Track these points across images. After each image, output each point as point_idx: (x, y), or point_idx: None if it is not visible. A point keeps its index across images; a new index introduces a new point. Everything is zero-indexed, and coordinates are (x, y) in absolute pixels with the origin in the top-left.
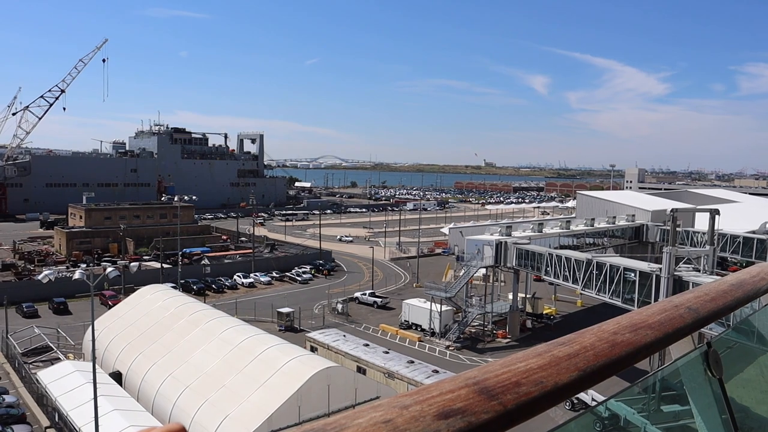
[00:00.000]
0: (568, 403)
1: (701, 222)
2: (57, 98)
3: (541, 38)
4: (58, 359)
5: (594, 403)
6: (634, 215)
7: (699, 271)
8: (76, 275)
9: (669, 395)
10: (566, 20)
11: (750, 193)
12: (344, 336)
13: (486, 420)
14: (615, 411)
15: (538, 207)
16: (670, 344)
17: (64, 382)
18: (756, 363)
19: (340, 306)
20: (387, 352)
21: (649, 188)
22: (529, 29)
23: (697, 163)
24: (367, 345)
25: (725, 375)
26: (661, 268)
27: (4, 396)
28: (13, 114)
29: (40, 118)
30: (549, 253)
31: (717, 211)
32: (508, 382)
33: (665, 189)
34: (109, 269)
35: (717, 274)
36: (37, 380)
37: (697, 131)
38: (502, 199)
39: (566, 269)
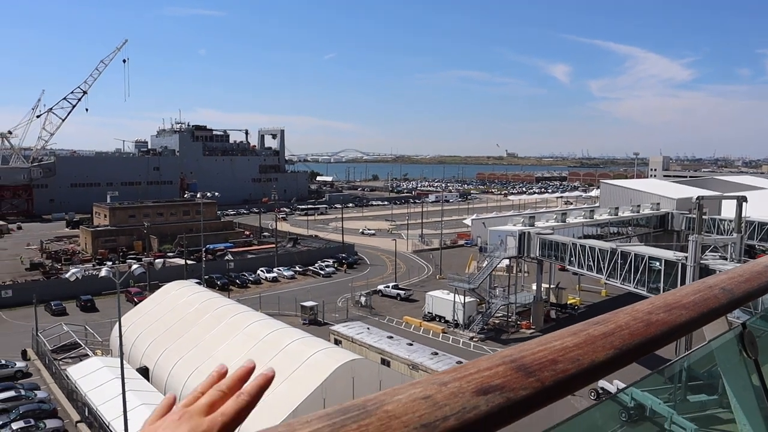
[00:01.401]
0: (593, 393)
1: (728, 209)
2: (79, 99)
3: (561, 26)
4: (86, 355)
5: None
6: (658, 204)
7: (726, 259)
8: (102, 273)
9: (695, 385)
10: (587, 7)
11: None
12: (368, 328)
13: (524, 396)
14: (640, 401)
15: (561, 197)
16: (705, 324)
17: (93, 377)
18: None
19: (363, 299)
20: (411, 344)
21: (673, 176)
22: (548, 18)
23: (723, 150)
24: (390, 337)
25: (762, 361)
26: (687, 257)
27: (35, 392)
28: (38, 116)
29: (63, 120)
30: (573, 243)
31: (744, 198)
32: (545, 359)
33: (690, 176)
34: (135, 266)
35: (744, 262)
36: (66, 376)
37: (723, 117)
38: (524, 189)
39: (590, 259)
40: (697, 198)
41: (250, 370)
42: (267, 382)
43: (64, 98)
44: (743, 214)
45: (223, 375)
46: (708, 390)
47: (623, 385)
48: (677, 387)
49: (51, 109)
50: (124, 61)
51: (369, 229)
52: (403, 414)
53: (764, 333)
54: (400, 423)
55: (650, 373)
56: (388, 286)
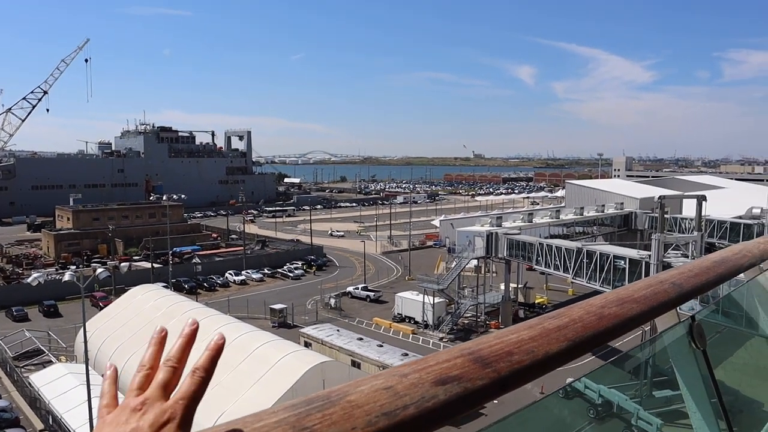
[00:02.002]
0: (562, 392)
1: (689, 208)
2: (40, 100)
3: (527, 29)
4: (50, 362)
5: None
6: (622, 203)
7: (687, 257)
8: (66, 277)
9: (660, 381)
10: (551, 10)
11: (736, 179)
12: (338, 330)
13: (481, 386)
14: (608, 397)
15: (528, 197)
16: (655, 317)
17: (57, 384)
18: (744, 347)
19: (332, 301)
20: (381, 346)
21: (636, 176)
22: (515, 20)
23: (684, 150)
24: (360, 339)
25: (714, 358)
26: (650, 255)
27: None
28: None
29: (23, 121)
30: (539, 243)
31: (704, 198)
32: (501, 351)
33: (653, 176)
34: (99, 270)
35: None
36: (29, 384)
37: (683, 118)
38: (491, 190)
39: (557, 258)
40: (659, 197)
41: (192, 336)
42: (218, 352)
43: (24, 98)
44: (703, 213)
45: (163, 339)
46: (672, 385)
47: (591, 383)
48: (642, 383)
49: (10, 109)
50: (86, 60)
51: (338, 231)
52: (365, 403)
53: (725, 329)
54: (363, 412)
55: (603, 364)
56: (358, 288)
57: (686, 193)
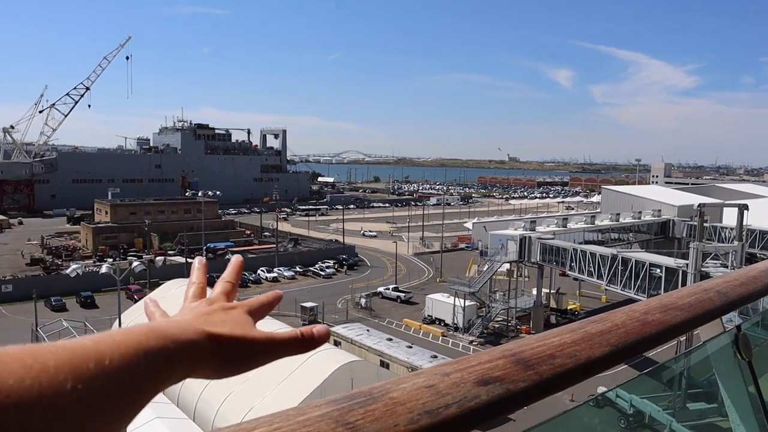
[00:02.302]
0: (593, 401)
1: (729, 217)
2: (82, 96)
3: (565, 32)
4: None
5: (618, 401)
6: (660, 210)
7: (727, 267)
8: (103, 269)
9: (695, 393)
10: (591, 13)
11: None
12: (367, 330)
13: (523, 388)
14: (640, 408)
15: (563, 202)
16: (700, 326)
17: None
18: None
19: (363, 301)
20: (410, 347)
21: (675, 183)
22: (553, 22)
23: (725, 158)
24: (390, 339)
25: (760, 371)
26: (687, 264)
27: None
28: (40, 112)
29: (66, 116)
30: (573, 248)
31: (746, 206)
32: (544, 354)
33: (692, 184)
34: (135, 264)
35: None
36: None
37: (725, 125)
38: (526, 193)
39: (591, 264)
40: (699, 205)
41: (241, 264)
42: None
43: (67, 94)
44: (744, 222)
45: (206, 266)
46: (707, 398)
47: (624, 392)
48: (677, 395)
49: (53, 104)
50: (128, 58)
51: (370, 231)
52: (407, 401)
53: (759, 338)
54: (405, 409)
55: (639, 374)
56: (389, 288)
57: (727, 202)
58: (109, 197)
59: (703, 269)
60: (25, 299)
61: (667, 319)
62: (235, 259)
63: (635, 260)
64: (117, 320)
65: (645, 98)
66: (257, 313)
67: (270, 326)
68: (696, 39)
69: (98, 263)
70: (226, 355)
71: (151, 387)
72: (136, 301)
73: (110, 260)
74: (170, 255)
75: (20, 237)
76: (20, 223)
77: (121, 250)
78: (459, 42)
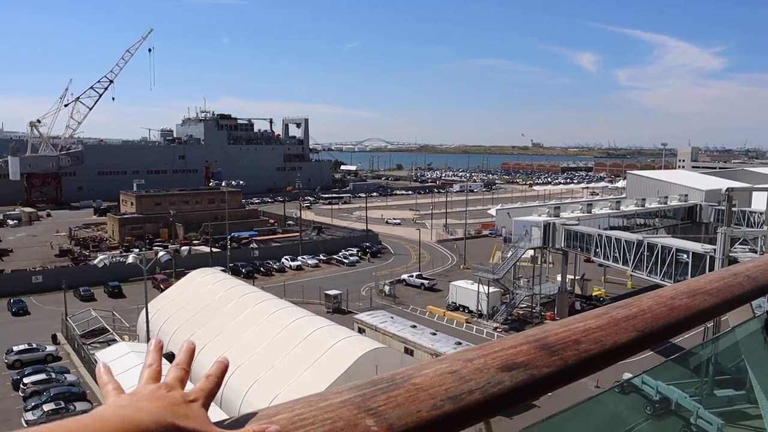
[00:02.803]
0: (618, 387)
1: (759, 202)
2: (106, 89)
3: (588, 15)
4: (114, 340)
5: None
6: (686, 195)
7: (756, 252)
8: (129, 260)
9: (722, 379)
10: None
11: None
12: (392, 317)
13: (547, 373)
14: (666, 394)
15: (587, 187)
16: (729, 311)
17: (120, 362)
18: None
19: (387, 288)
20: (434, 334)
21: (702, 167)
22: (575, 5)
23: (755, 141)
24: (414, 326)
25: None
26: (715, 249)
27: (65, 375)
28: (65, 105)
29: (90, 109)
30: (598, 234)
31: None
32: (568, 339)
33: (720, 168)
34: (161, 254)
35: None
36: (95, 360)
37: (755, 107)
38: (549, 179)
39: (616, 250)
40: (727, 189)
41: (192, 349)
42: (226, 368)
43: (91, 87)
44: None
45: (161, 348)
46: (735, 385)
47: (650, 379)
48: (704, 381)
49: (78, 98)
50: (150, 50)
51: (394, 219)
52: (430, 387)
53: None
54: (428, 395)
55: (665, 360)
56: (412, 276)
57: (756, 186)
58: (134, 188)
59: (731, 254)
60: (54, 289)
61: (695, 304)
62: (187, 345)
63: (661, 246)
64: (144, 309)
65: (671, 81)
66: (212, 399)
67: (295, 314)
68: (723, 20)
69: (125, 253)
70: None
71: None
72: (162, 291)
73: (136, 250)
74: (195, 245)
75: (49, 229)
76: (48, 215)
77: (147, 241)
78: (479, 28)
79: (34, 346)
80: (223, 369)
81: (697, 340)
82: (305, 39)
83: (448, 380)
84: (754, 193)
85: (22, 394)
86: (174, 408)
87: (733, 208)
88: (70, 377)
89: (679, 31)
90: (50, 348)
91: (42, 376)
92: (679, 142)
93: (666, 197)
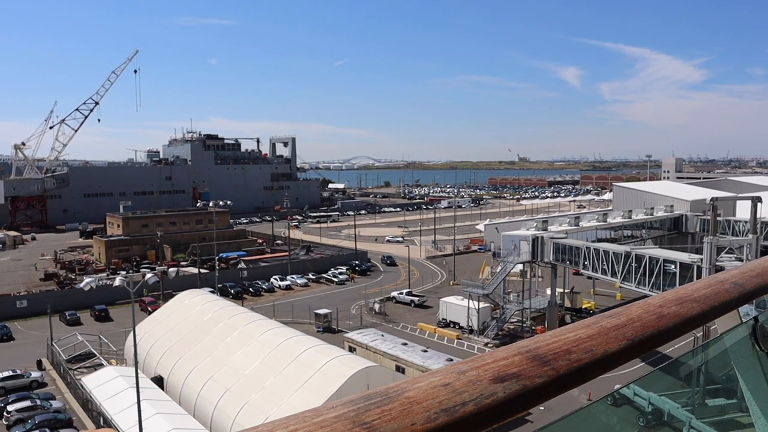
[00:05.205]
0: (610, 398)
1: (743, 210)
2: (91, 110)
3: (571, 29)
4: (101, 365)
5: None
6: (672, 206)
7: (741, 260)
8: (116, 282)
9: (714, 389)
10: (596, 9)
11: None
12: (382, 335)
13: (540, 384)
14: (658, 405)
15: (574, 200)
16: (716, 317)
17: (108, 387)
18: None
19: (377, 306)
20: (425, 351)
21: (687, 178)
22: (559, 20)
23: (737, 151)
24: (405, 344)
25: None
26: (702, 259)
27: (51, 401)
28: (51, 127)
29: (76, 131)
30: (587, 247)
31: (759, 199)
32: (559, 349)
33: (704, 178)
34: (148, 276)
35: None
36: (81, 386)
37: (736, 118)
38: (537, 193)
39: (604, 262)
40: (711, 199)
41: None
42: None
43: (77, 109)
44: (758, 215)
45: None
46: (727, 393)
47: (642, 390)
48: (695, 391)
49: (64, 120)
50: (135, 71)
51: (394, 236)
52: (423, 400)
53: None
54: (421, 408)
55: (655, 369)
56: (402, 293)
57: (740, 195)
58: (121, 210)
59: (717, 263)
60: (39, 314)
61: (683, 312)
62: None
63: (649, 257)
64: (131, 333)
65: (654, 94)
66: None
67: (285, 334)
68: (703, 31)
69: (112, 276)
70: None
71: None
72: (149, 313)
73: (123, 273)
74: (183, 266)
75: (34, 252)
76: (33, 238)
77: (134, 263)
78: (466, 44)
79: (19, 372)
80: None
81: (687, 350)
82: (293, 58)
83: (441, 393)
84: (738, 202)
85: (6, 423)
86: None
87: (718, 218)
88: (56, 404)
89: (659, 43)
90: (35, 374)
91: (27, 404)
92: (663, 153)
93: (652, 208)
